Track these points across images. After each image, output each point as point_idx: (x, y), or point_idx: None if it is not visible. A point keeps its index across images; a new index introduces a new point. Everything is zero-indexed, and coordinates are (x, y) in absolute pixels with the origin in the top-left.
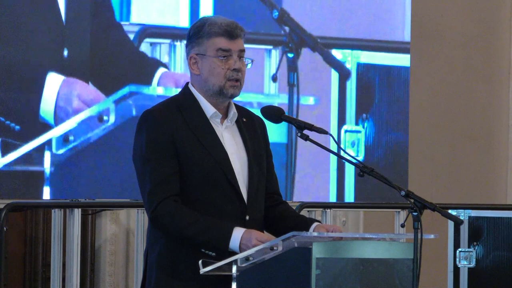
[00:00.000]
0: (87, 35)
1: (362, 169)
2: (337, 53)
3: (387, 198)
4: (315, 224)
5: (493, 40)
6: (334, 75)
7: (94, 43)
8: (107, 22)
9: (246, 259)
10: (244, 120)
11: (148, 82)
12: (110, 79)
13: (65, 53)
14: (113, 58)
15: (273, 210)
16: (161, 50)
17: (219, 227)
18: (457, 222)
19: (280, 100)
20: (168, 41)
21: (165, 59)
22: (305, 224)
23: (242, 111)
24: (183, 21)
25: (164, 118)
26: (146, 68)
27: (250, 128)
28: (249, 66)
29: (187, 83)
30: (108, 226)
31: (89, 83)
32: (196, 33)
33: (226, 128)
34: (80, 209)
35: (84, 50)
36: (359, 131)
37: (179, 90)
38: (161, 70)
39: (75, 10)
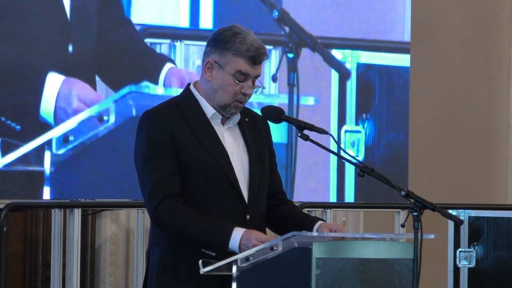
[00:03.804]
0: (89, 35)
1: (362, 169)
2: (337, 53)
3: (387, 198)
4: (318, 223)
5: (493, 40)
6: (334, 75)
7: (95, 44)
8: (109, 22)
9: (246, 259)
10: (247, 120)
11: (149, 82)
12: (110, 79)
13: (67, 53)
14: (113, 58)
15: (277, 209)
16: (161, 50)
17: (219, 227)
18: (457, 222)
19: (280, 100)
20: (168, 41)
21: None
22: (309, 222)
23: (245, 111)
24: (183, 21)
25: (165, 118)
26: (146, 68)
27: (253, 128)
28: (258, 92)
29: (189, 84)
30: (108, 226)
31: (89, 83)
32: (223, 42)
33: (227, 129)
34: (80, 209)
35: (85, 51)
36: (359, 131)
37: (180, 90)
38: (168, 66)
39: (78, 9)
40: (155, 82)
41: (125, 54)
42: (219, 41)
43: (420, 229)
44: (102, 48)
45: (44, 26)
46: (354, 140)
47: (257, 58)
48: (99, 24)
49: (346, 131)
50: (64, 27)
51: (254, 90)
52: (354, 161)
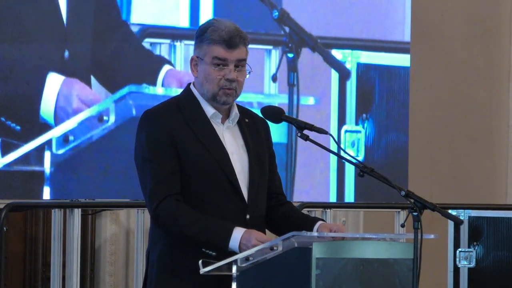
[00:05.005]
0: (88, 35)
1: (362, 169)
2: (337, 53)
3: (387, 198)
4: (318, 223)
5: (493, 40)
6: (334, 75)
7: (95, 43)
8: (108, 22)
9: (246, 259)
10: (247, 120)
11: (149, 82)
12: (110, 79)
13: (66, 53)
14: (113, 58)
15: (277, 210)
16: (161, 50)
17: (219, 226)
18: (457, 222)
19: (280, 100)
20: (168, 41)
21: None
22: (309, 223)
23: (244, 112)
24: (183, 21)
25: (165, 117)
26: (146, 68)
27: (253, 129)
28: (247, 76)
29: (189, 84)
30: (108, 226)
31: (89, 83)
32: (199, 36)
33: (227, 128)
34: (80, 209)
35: (84, 50)
36: (359, 131)
37: (180, 90)
38: (166, 68)
39: (76, 9)
40: (154, 84)
41: (122, 56)
42: (197, 36)
43: (420, 229)
44: (98, 50)
45: (44, 27)
46: (354, 140)
47: (229, 41)
48: (96, 26)
49: (346, 131)
50: (61, 28)
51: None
52: (354, 161)
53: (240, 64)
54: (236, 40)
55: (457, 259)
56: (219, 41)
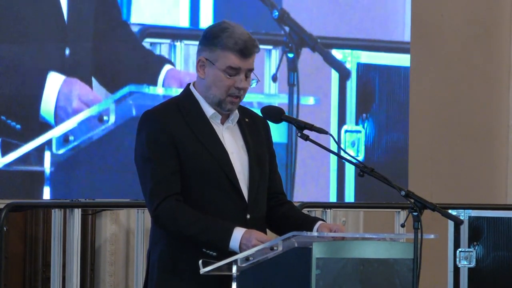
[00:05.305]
0: (89, 35)
1: (362, 169)
2: (337, 53)
3: (387, 198)
4: (318, 223)
5: (493, 40)
6: (334, 75)
7: (95, 43)
8: (109, 22)
9: (246, 259)
10: (247, 120)
11: (149, 82)
12: (110, 79)
13: (66, 53)
14: (113, 58)
15: (277, 210)
16: (161, 50)
17: (220, 227)
18: (457, 222)
19: (280, 100)
20: (168, 41)
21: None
22: (309, 223)
23: (244, 111)
24: (183, 21)
25: (165, 117)
26: (146, 68)
27: (253, 128)
28: (253, 85)
29: (189, 84)
30: (108, 226)
31: (90, 83)
32: (212, 38)
33: (227, 129)
34: (80, 209)
35: (85, 50)
36: (359, 131)
37: (180, 90)
38: (166, 68)
39: (77, 9)
40: (154, 84)
41: (122, 56)
42: (208, 38)
43: (420, 229)
44: (99, 50)
45: (44, 26)
46: (354, 140)
47: (245, 51)
48: (96, 26)
49: (346, 131)
50: (62, 28)
51: (251, 83)
52: (354, 161)
53: (249, 74)
54: (251, 50)
55: (457, 259)
56: (235, 50)
